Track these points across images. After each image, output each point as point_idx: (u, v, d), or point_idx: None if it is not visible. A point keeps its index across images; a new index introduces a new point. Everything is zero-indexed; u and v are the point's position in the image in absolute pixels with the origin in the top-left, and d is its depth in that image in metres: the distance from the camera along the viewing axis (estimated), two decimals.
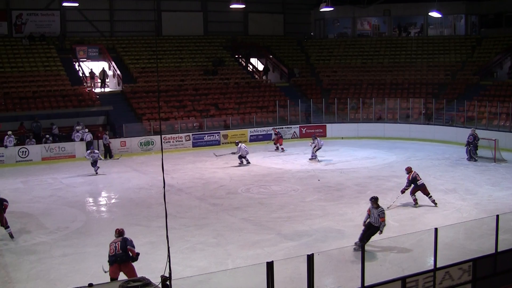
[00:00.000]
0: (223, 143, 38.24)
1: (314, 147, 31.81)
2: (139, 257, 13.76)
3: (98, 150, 34.70)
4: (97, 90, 41.82)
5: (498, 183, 25.51)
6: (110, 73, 44.02)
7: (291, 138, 40.43)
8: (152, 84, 41.70)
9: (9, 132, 33.33)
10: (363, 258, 11.20)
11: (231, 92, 43.75)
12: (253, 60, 51.59)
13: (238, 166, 30.91)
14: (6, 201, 19.28)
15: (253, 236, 18.28)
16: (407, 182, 21.33)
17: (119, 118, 37.75)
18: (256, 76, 48.86)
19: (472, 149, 30.64)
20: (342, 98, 43.59)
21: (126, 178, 28.63)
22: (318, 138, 32.38)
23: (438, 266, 12.05)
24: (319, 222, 19.65)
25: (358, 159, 32.45)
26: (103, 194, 26.16)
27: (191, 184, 26.68)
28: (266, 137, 39.19)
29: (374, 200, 16.42)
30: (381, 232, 16.14)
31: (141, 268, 14.04)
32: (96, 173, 29.35)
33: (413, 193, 21.42)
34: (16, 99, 37.03)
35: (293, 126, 41.09)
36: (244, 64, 49.90)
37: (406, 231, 17.94)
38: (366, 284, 11.14)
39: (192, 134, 37.81)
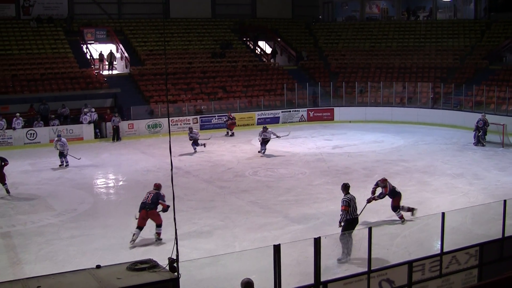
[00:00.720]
0: None
1: (265, 139, 29.37)
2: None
3: (106, 131, 34.85)
4: (105, 72, 41.85)
5: (506, 168, 25.45)
6: (118, 55, 44.02)
7: (299, 121, 40.44)
8: (160, 66, 41.68)
9: (17, 114, 33.43)
10: (370, 242, 11.21)
11: (238, 75, 43.69)
12: (261, 43, 51.47)
13: (193, 153, 30.06)
14: (6, 160, 22.30)
15: (260, 219, 18.32)
16: (379, 194, 17.68)
17: (127, 100, 37.76)
18: (264, 59, 48.73)
19: (482, 135, 30.49)
20: (350, 81, 43.50)
21: (133, 160, 28.69)
22: (269, 129, 29.91)
23: (445, 250, 12.05)
24: (326, 206, 19.66)
25: (365, 142, 32.41)
26: (111, 176, 26.25)
27: (199, 167, 26.72)
28: (273, 120, 39.21)
29: (345, 186, 15.11)
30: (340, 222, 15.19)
31: (149, 250, 14.16)
32: (64, 165, 27.36)
33: (396, 207, 17.60)
34: (24, 81, 37.09)
35: (300, 109, 41.04)
36: (252, 47, 49.80)
37: (413, 215, 17.94)
38: (372, 268, 11.16)
39: (200, 117, 37.81)
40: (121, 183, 24.51)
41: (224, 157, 28.92)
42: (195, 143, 30.31)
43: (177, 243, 8.62)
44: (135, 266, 8.77)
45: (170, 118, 36.68)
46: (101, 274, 8.69)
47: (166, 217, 17.04)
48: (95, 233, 17.36)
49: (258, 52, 49.99)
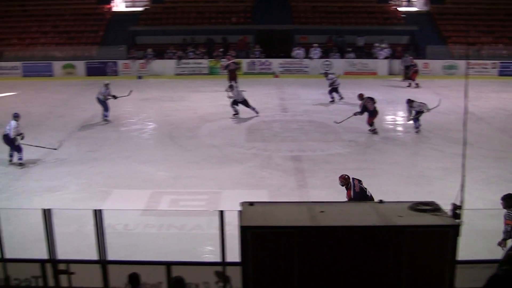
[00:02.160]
0: None
1: (413, 112, 21.89)
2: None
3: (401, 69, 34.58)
4: (403, 9, 41.33)
5: None
6: None
7: None
8: (462, 6, 40.03)
9: (315, 45, 34.79)
10: None
11: None
12: None
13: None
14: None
15: None
16: None
17: (424, 39, 37.05)
18: None
19: None
20: None
21: (426, 100, 26.95)
22: (415, 101, 22.22)
23: None
24: None
25: None
26: (400, 113, 25.51)
27: (493, 114, 25.26)
28: None
29: (508, 198, 10.83)
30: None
31: (432, 192, 13.96)
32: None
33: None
34: (323, 13, 38.29)
35: None
36: None
37: None
38: None
39: (500, 62, 35.85)
40: (410, 122, 23.56)
41: None
42: (333, 90, 27.50)
43: (462, 190, 8.37)
44: (417, 207, 8.74)
45: (468, 61, 35.36)
46: (382, 209, 8.83)
47: (453, 162, 16.53)
48: (381, 168, 17.59)
49: None
